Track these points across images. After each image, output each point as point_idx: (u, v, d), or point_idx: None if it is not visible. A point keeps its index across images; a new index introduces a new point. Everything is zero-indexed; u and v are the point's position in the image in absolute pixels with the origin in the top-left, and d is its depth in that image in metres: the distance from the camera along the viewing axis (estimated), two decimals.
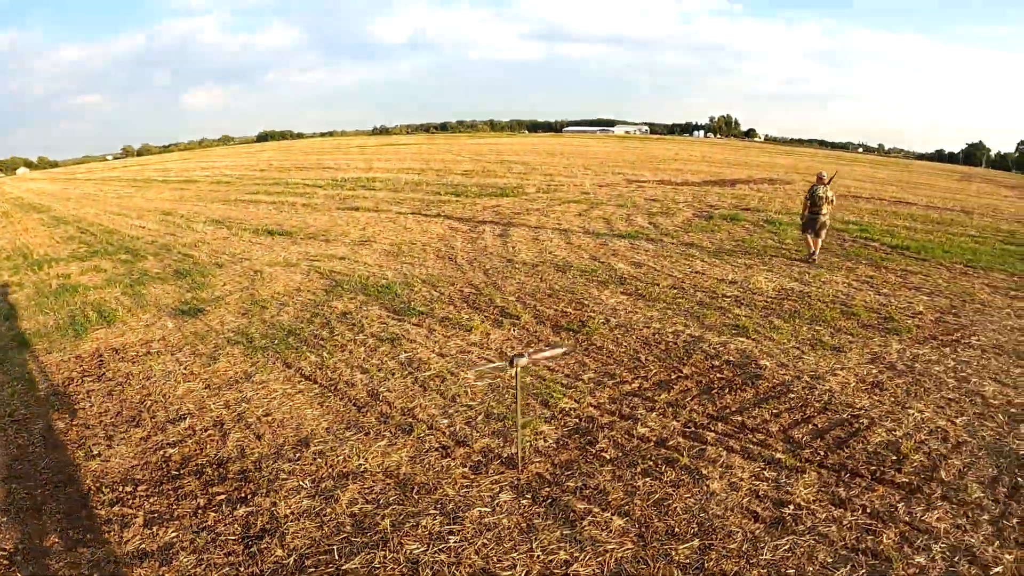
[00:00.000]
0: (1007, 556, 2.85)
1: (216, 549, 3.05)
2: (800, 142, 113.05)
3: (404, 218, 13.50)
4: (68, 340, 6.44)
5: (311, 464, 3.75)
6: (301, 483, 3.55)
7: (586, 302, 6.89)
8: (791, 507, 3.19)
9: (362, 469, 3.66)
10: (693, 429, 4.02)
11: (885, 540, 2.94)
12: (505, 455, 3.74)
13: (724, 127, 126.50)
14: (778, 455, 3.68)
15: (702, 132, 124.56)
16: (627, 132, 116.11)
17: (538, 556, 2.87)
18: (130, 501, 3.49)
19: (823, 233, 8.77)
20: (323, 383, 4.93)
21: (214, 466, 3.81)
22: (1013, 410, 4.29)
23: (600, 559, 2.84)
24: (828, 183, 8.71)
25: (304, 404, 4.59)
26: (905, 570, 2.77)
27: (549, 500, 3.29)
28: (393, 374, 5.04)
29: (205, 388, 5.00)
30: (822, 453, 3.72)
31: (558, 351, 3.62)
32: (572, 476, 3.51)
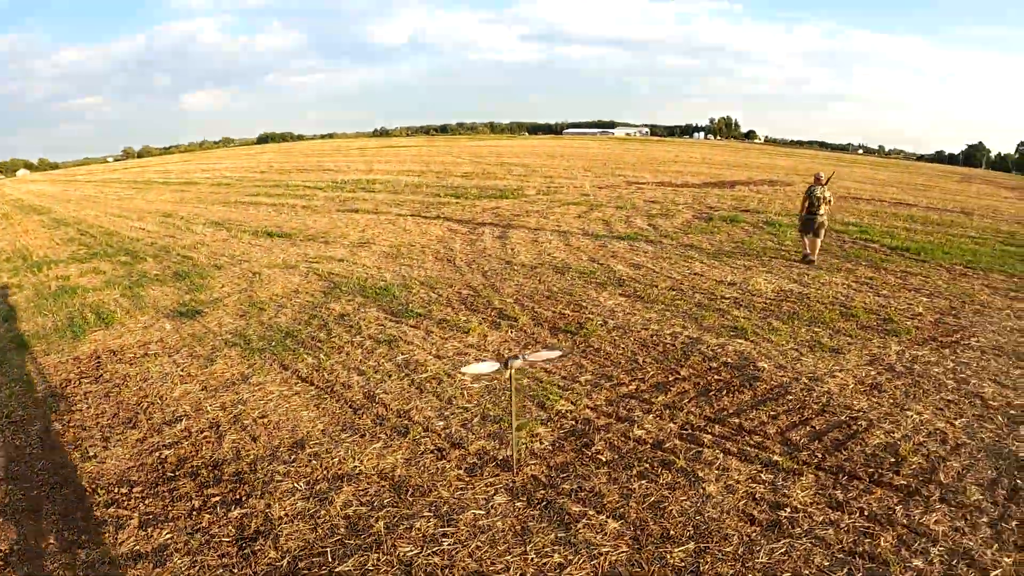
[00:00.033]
0: (1006, 559, 2.83)
1: (210, 551, 3.04)
2: (800, 143, 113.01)
3: (403, 220, 13.50)
4: (66, 342, 6.44)
5: (306, 466, 3.74)
6: (296, 485, 3.54)
7: (584, 304, 6.87)
8: (788, 510, 3.17)
9: (357, 471, 3.65)
10: (690, 431, 4.00)
11: (883, 543, 2.92)
12: (500, 457, 3.73)
13: (724, 129, 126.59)
14: (775, 457, 3.66)
15: (702, 134, 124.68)
16: (627, 134, 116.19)
17: (532, 559, 2.85)
18: (125, 503, 3.49)
19: (822, 233, 8.76)
20: (320, 385, 4.92)
21: (209, 468, 3.80)
22: (1013, 412, 4.26)
23: (594, 562, 2.82)
24: (825, 183, 8.70)
25: (300, 406, 4.58)
26: (903, 573, 2.74)
27: (544, 503, 3.28)
28: (390, 376, 5.03)
29: (202, 390, 4.99)
30: (820, 455, 3.70)
31: (554, 353, 3.60)
32: (567, 479, 3.49)
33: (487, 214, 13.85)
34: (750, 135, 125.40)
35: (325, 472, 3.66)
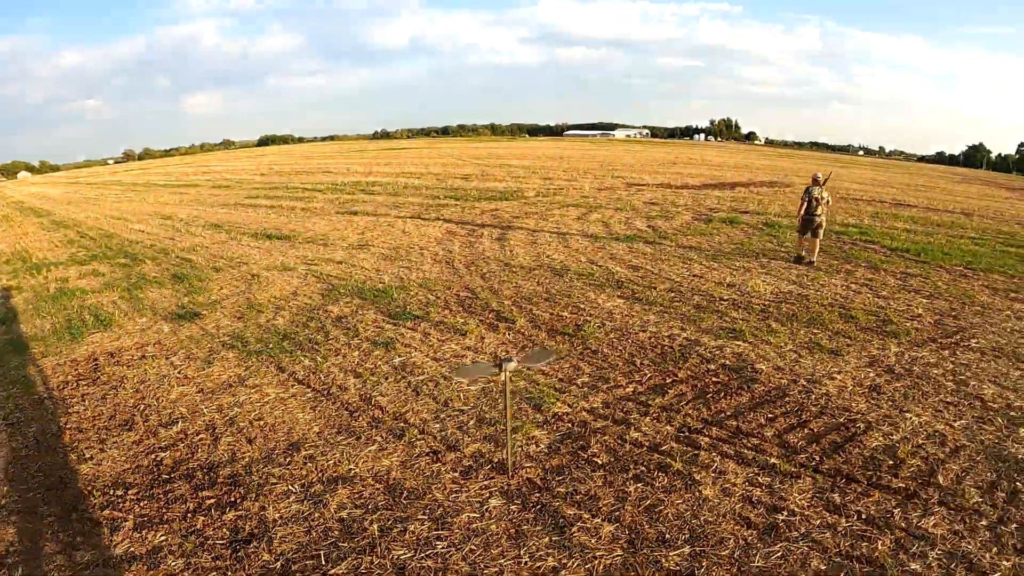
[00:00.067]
0: (1005, 562, 2.80)
1: (204, 553, 3.03)
2: (801, 145, 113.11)
3: (403, 222, 13.51)
4: (64, 344, 6.44)
5: (301, 468, 3.72)
6: (290, 487, 3.53)
7: (582, 306, 6.86)
8: (785, 513, 3.15)
9: (352, 474, 3.64)
10: (687, 434, 3.98)
11: (880, 547, 2.90)
12: (496, 460, 3.71)
13: (724, 130, 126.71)
14: (772, 460, 3.64)
15: (702, 135, 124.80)
16: (628, 136, 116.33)
17: (525, 562, 2.84)
18: (121, 505, 3.48)
19: (820, 234, 8.74)
20: (316, 387, 4.91)
21: (204, 470, 3.79)
22: (1013, 413, 4.24)
23: (588, 566, 2.80)
24: (823, 184, 8.69)
25: (296, 408, 4.57)
26: None
27: (539, 506, 3.26)
28: (386, 378, 5.02)
29: (198, 392, 4.98)
30: (817, 458, 3.67)
31: (548, 356, 3.58)
32: (563, 482, 3.47)
33: (486, 216, 13.85)
34: (750, 136, 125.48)
35: (320, 475, 3.65)
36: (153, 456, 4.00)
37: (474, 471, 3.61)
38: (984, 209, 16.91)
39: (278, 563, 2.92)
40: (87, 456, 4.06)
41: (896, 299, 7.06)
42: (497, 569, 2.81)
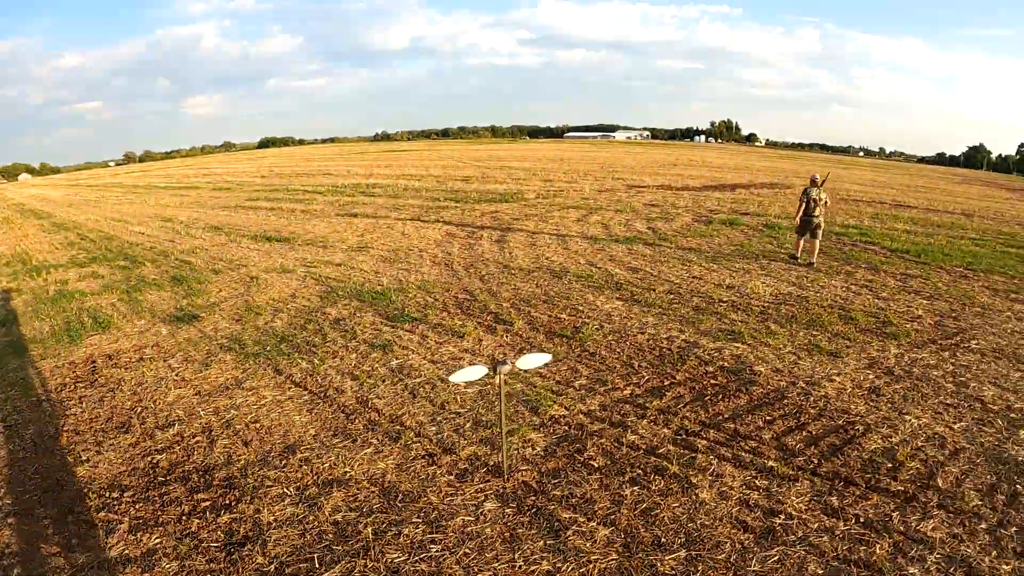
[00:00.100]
0: (1005, 566, 2.78)
1: (198, 556, 3.02)
2: (801, 146, 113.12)
3: (402, 224, 13.51)
4: (63, 346, 6.44)
5: (296, 471, 3.71)
6: (285, 490, 3.51)
7: (581, 308, 6.84)
8: (782, 517, 3.13)
9: (347, 477, 3.62)
10: (684, 437, 3.95)
11: (878, 551, 2.87)
12: (492, 463, 3.69)
13: (725, 132, 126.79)
14: (770, 463, 3.62)
15: (703, 137, 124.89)
16: (628, 138, 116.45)
17: (520, 566, 2.82)
18: (116, 507, 3.48)
19: (819, 234, 8.73)
20: (313, 390, 4.90)
21: (200, 473, 3.78)
22: (1013, 415, 4.21)
23: (583, 570, 2.78)
24: (821, 185, 8.68)
25: (293, 411, 4.56)
26: None
27: (534, 509, 3.24)
28: (383, 381, 5.00)
29: (195, 395, 4.97)
30: (815, 461, 3.65)
31: (544, 358, 3.54)
32: (559, 485, 3.45)
33: (486, 218, 13.85)
34: (751, 138, 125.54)
35: (315, 477, 3.63)
36: (149, 458, 4.00)
37: (469, 474, 3.60)
38: (984, 210, 16.87)
39: (272, 566, 2.91)
40: (84, 458, 4.05)
41: (896, 300, 7.04)
42: (491, 573, 2.79)
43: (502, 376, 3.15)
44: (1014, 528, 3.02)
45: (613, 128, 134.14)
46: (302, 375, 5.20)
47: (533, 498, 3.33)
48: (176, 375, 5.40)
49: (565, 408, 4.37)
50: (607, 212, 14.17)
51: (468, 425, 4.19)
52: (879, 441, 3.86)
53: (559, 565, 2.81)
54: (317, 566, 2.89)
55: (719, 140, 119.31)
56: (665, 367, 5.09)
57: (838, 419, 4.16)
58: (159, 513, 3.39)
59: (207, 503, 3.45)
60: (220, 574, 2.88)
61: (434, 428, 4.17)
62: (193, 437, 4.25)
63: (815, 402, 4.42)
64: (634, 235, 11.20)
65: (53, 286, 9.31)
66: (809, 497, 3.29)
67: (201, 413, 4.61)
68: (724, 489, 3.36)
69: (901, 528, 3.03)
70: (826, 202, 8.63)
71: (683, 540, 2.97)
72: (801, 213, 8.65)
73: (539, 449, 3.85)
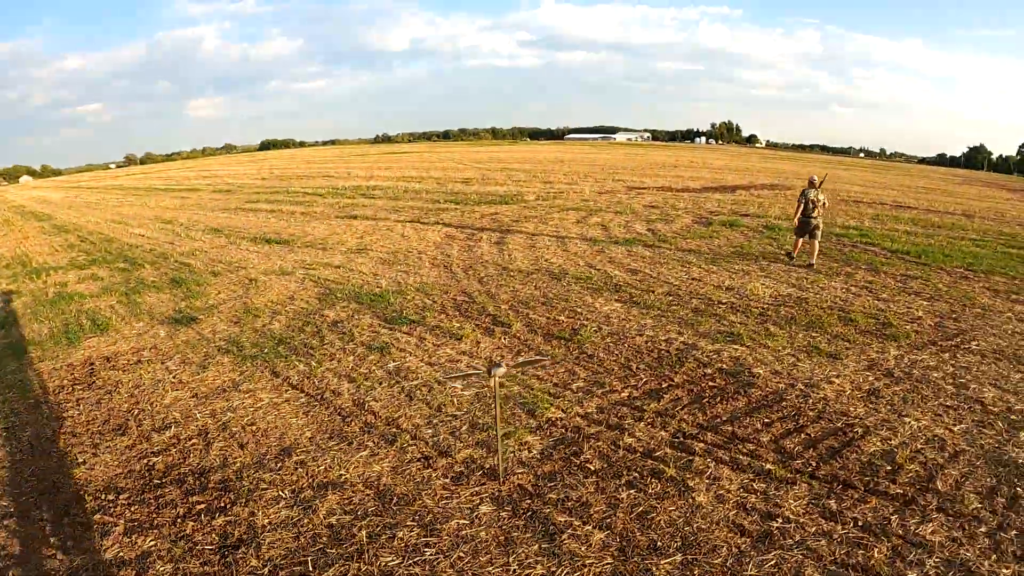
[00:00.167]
0: (1004, 570, 2.75)
1: (192, 558, 3.01)
2: (802, 148, 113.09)
3: (402, 226, 13.52)
4: (61, 348, 6.44)
5: (292, 474, 3.70)
6: (281, 493, 3.50)
7: (579, 310, 6.82)
8: (779, 520, 3.10)
9: (343, 479, 3.61)
10: (681, 439, 3.93)
11: (876, 555, 2.85)
12: (487, 466, 3.67)
13: (725, 133, 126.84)
14: (768, 466, 3.59)
15: (703, 138, 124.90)
16: (629, 139, 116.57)
17: (514, 570, 2.80)
18: (112, 509, 3.47)
19: (818, 235, 8.71)
20: (310, 392, 4.89)
21: (196, 475, 3.77)
22: (1013, 417, 4.18)
23: (578, 574, 2.76)
24: (819, 186, 8.67)
25: (289, 413, 4.54)
26: None
27: (529, 512, 3.22)
28: (380, 383, 4.99)
29: (192, 397, 4.96)
30: (814, 464, 3.63)
31: (541, 360, 3.54)
32: (554, 488, 3.43)
33: (486, 220, 13.85)
34: (751, 139, 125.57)
35: (311, 480, 3.62)
36: (145, 461, 3.99)
37: (465, 477, 3.58)
38: (985, 210, 16.83)
39: (266, 569, 2.89)
40: (80, 460, 4.05)
41: (896, 302, 7.01)
42: None
43: (497, 379, 3.13)
44: (1014, 531, 3.00)
45: (613, 130, 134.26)
46: (299, 377, 5.19)
47: (528, 501, 3.31)
48: (173, 377, 5.40)
49: (562, 411, 4.35)
50: (607, 214, 14.16)
51: (464, 428, 4.18)
52: (878, 443, 3.84)
53: (554, 569, 2.79)
54: (311, 569, 2.87)
55: (719, 141, 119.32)
56: (663, 369, 5.07)
57: (837, 421, 4.14)
58: (154, 515, 3.38)
59: (202, 506, 3.43)
60: None
61: (430, 431, 4.16)
62: (189, 440, 4.24)
63: (814, 404, 4.39)
64: (634, 237, 11.18)
65: (52, 288, 9.32)
66: (807, 500, 3.26)
67: (198, 415, 4.60)
68: (721, 492, 3.34)
69: (900, 532, 3.01)
70: (824, 203, 8.62)
71: (679, 544, 2.94)
72: (799, 214, 8.64)
73: (535, 452, 3.83)
